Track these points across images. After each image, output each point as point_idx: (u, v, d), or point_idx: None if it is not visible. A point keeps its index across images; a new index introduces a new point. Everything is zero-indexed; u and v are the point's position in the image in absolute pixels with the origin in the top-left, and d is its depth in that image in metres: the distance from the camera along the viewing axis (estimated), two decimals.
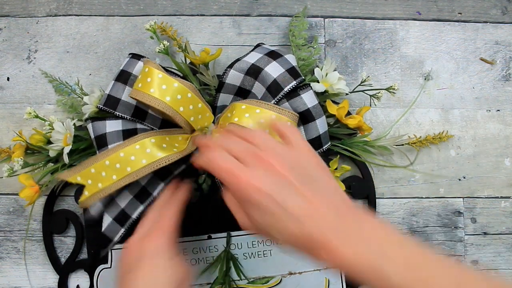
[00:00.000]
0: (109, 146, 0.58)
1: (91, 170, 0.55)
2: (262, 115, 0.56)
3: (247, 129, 0.51)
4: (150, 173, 0.59)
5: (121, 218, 0.60)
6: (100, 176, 0.55)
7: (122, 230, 0.60)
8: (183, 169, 0.61)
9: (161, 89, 0.55)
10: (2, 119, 0.68)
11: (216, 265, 0.46)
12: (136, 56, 0.61)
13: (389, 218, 0.69)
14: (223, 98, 0.62)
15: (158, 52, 0.63)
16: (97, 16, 0.70)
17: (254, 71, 0.59)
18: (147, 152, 0.55)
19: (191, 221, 0.65)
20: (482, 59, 0.71)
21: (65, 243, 0.67)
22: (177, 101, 0.56)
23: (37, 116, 0.62)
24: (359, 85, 0.66)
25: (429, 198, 0.69)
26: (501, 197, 0.70)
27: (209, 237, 0.65)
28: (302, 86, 0.59)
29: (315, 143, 0.59)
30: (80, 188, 0.57)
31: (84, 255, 0.66)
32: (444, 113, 0.70)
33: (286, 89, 0.58)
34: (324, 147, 0.60)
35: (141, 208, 0.60)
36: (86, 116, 0.62)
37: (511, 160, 0.70)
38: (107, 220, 0.60)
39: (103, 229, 0.60)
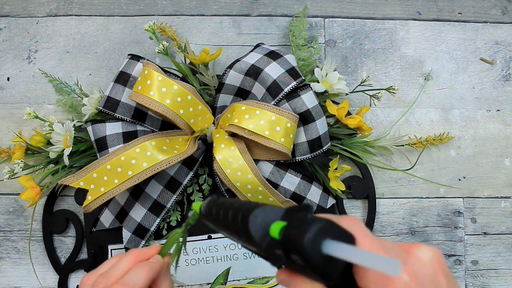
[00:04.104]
0: (109, 148, 0.58)
1: (93, 175, 0.55)
2: (262, 117, 0.56)
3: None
4: (161, 186, 0.61)
5: (140, 231, 0.61)
6: (102, 180, 0.55)
7: (143, 242, 0.62)
8: (191, 177, 0.62)
9: (160, 92, 0.55)
10: (2, 119, 0.68)
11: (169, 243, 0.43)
12: (135, 57, 0.61)
13: (389, 218, 0.69)
14: (223, 98, 0.62)
15: (158, 52, 0.63)
16: (97, 16, 0.70)
17: (254, 72, 0.59)
18: (147, 155, 0.55)
19: None
20: (482, 59, 0.71)
21: (65, 243, 0.67)
22: (177, 103, 0.56)
23: (36, 117, 0.62)
24: (359, 85, 0.65)
25: (429, 198, 0.69)
26: (501, 197, 0.70)
27: (209, 237, 0.65)
28: (302, 86, 0.59)
29: (315, 143, 0.59)
30: (80, 188, 0.57)
31: (84, 255, 0.66)
32: (444, 113, 0.70)
33: (286, 89, 0.57)
34: (324, 148, 0.60)
35: (158, 220, 0.61)
36: (86, 118, 0.62)
37: (511, 160, 0.70)
38: (126, 234, 0.61)
39: (124, 243, 0.61)
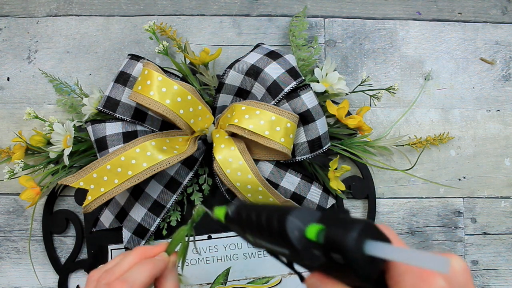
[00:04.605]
0: (109, 148, 0.58)
1: (93, 175, 0.55)
2: (262, 116, 0.56)
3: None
4: (161, 186, 0.61)
5: (140, 231, 0.61)
6: (102, 180, 0.55)
7: (143, 242, 0.62)
8: (191, 177, 0.62)
9: (161, 92, 0.55)
10: (2, 119, 0.68)
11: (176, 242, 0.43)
12: (135, 57, 0.61)
13: (389, 218, 0.69)
14: (223, 98, 0.62)
15: (158, 52, 0.63)
16: (97, 16, 0.70)
17: (254, 72, 0.59)
18: (147, 155, 0.55)
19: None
20: (482, 59, 0.71)
21: (65, 243, 0.67)
22: (177, 103, 0.56)
23: (36, 117, 0.62)
24: (359, 85, 0.65)
25: (429, 198, 0.69)
26: (501, 197, 0.70)
27: (209, 237, 0.65)
28: (302, 86, 0.59)
29: (315, 143, 0.59)
30: (80, 188, 0.57)
31: (84, 255, 0.66)
32: (444, 113, 0.70)
33: (286, 89, 0.57)
34: (324, 148, 0.60)
35: (158, 220, 0.61)
36: (86, 118, 0.62)
37: (511, 160, 0.70)
38: (126, 234, 0.61)
39: (124, 243, 0.61)
